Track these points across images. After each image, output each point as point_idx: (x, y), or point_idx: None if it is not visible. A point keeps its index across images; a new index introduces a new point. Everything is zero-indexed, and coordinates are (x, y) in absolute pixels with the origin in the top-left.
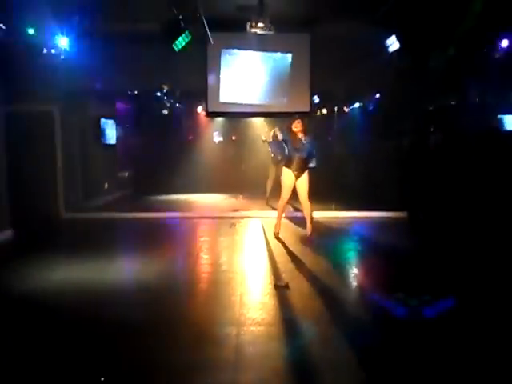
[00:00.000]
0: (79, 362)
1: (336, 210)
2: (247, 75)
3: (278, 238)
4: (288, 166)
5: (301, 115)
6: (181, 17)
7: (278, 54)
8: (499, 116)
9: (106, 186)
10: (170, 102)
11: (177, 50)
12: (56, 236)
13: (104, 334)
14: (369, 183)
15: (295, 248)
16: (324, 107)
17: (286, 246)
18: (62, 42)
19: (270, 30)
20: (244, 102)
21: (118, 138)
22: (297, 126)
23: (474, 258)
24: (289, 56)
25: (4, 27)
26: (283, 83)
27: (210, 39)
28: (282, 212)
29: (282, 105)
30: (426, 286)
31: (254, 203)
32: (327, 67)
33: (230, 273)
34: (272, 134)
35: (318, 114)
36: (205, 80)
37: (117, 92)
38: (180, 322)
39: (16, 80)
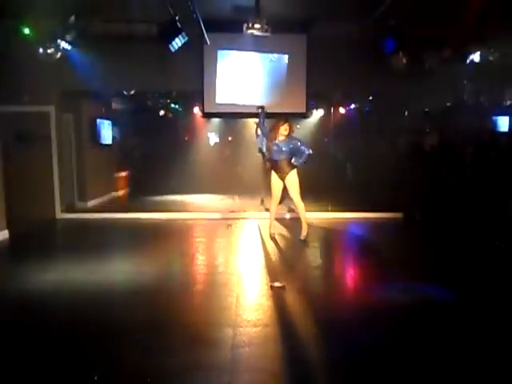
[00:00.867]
0: (74, 362)
1: (332, 210)
2: (243, 76)
3: (273, 239)
4: (273, 169)
5: (288, 117)
6: (177, 17)
7: (275, 55)
8: (494, 117)
9: (102, 186)
10: (166, 103)
11: (173, 50)
12: (51, 237)
13: (99, 335)
14: (365, 184)
15: (291, 249)
16: (320, 108)
17: (282, 247)
18: (59, 42)
19: (266, 31)
20: (240, 103)
21: (114, 139)
22: (286, 129)
23: (470, 257)
24: (285, 57)
25: None
26: (279, 84)
27: (207, 40)
28: (274, 213)
29: (278, 106)
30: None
31: (250, 204)
32: (323, 68)
33: (226, 274)
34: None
35: (314, 114)
36: (201, 81)
37: (113, 92)
38: (176, 323)
39: (12, 80)
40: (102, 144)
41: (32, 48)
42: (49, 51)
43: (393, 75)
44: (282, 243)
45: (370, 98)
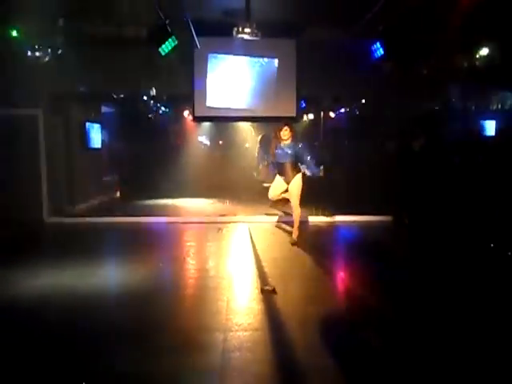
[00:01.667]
0: (62, 368)
1: (321, 214)
2: (234, 80)
3: (265, 242)
4: (279, 173)
5: (288, 120)
6: (167, 21)
7: (265, 59)
8: (481, 121)
9: (92, 190)
10: (156, 106)
11: (163, 54)
12: (39, 241)
13: (88, 339)
14: (354, 187)
15: (282, 253)
16: (310, 112)
17: (272, 251)
18: (47, 44)
19: (256, 35)
20: (230, 107)
21: (103, 142)
22: (285, 134)
23: (458, 260)
24: (275, 61)
25: None
26: (269, 88)
27: (197, 44)
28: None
29: (268, 109)
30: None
31: (240, 208)
32: (313, 72)
33: (217, 278)
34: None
35: (305, 119)
36: (191, 84)
37: (102, 96)
38: (166, 328)
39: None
40: (90, 147)
41: (20, 51)
42: (37, 54)
43: (381, 79)
44: (272, 247)
45: (360, 101)
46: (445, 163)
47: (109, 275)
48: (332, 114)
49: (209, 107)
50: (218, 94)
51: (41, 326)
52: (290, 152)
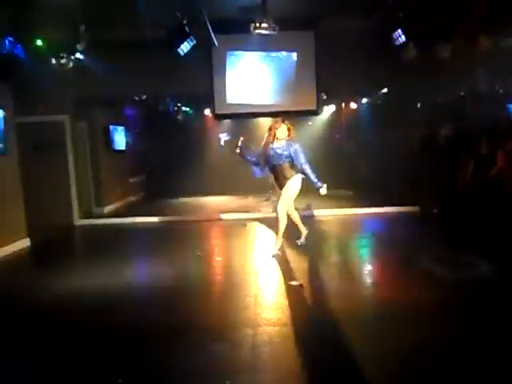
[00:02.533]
0: (94, 364)
1: (347, 207)
2: (253, 76)
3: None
4: (273, 177)
5: (286, 118)
6: (185, 21)
7: (283, 53)
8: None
9: (118, 191)
10: (177, 106)
11: (182, 54)
12: (71, 243)
13: (122, 336)
14: (380, 178)
15: (308, 247)
16: (331, 104)
17: (299, 246)
18: (71, 51)
19: (273, 29)
20: (251, 103)
21: (127, 144)
22: (282, 133)
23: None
24: (294, 55)
25: (13, 40)
26: (289, 82)
27: (215, 42)
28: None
29: (288, 103)
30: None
31: (265, 204)
32: (333, 64)
33: (243, 274)
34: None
35: (325, 111)
36: (211, 82)
37: (124, 98)
38: (196, 324)
39: (27, 92)
40: (115, 150)
41: (45, 59)
42: (62, 61)
43: (404, 68)
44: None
45: (382, 91)
46: (473, 150)
47: (138, 274)
48: (354, 105)
49: (229, 104)
50: (238, 91)
51: (77, 323)
52: (285, 153)
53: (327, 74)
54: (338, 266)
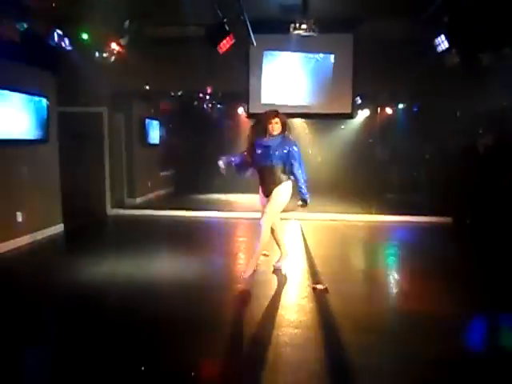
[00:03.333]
0: (118, 350)
1: (376, 213)
2: (289, 76)
3: (317, 240)
4: (260, 181)
5: (273, 111)
6: (225, 20)
7: (321, 55)
8: None
9: (149, 184)
10: (211, 103)
11: (220, 52)
12: (103, 231)
13: (145, 328)
14: (412, 186)
15: (335, 251)
16: (366, 108)
17: (325, 249)
18: (113, 45)
19: (313, 31)
20: (285, 104)
21: (161, 138)
22: (274, 128)
23: None
24: (331, 57)
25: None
26: (325, 84)
27: (253, 41)
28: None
29: (323, 106)
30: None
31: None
32: (370, 67)
33: (268, 273)
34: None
35: (360, 115)
36: (246, 81)
37: (161, 93)
38: (219, 321)
39: (70, 82)
40: (150, 143)
41: (89, 52)
42: (104, 55)
43: (444, 74)
44: (325, 244)
45: (420, 98)
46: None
47: (164, 266)
48: (389, 111)
49: (263, 104)
50: (273, 91)
51: (103, 309)
52: (276, 153)
53: (364, 78)
54: (365, 272)
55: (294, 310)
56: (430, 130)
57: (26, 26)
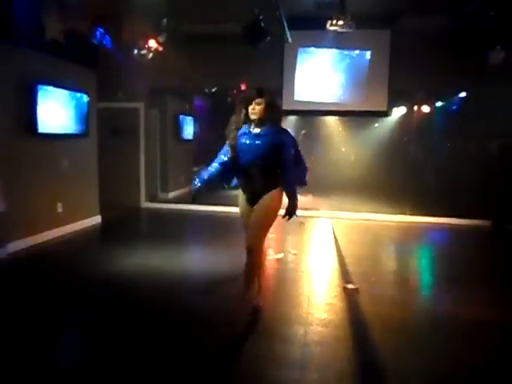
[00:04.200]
0: (148, 342)
1: (411, 214)
2: (323, 73)
3: (349, 240)
4: (239, 184)
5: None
6: (261, 17)
7: (356, 52)
8: None
9: (183, 179)
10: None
11: (255, 49)
12: (136, 224)
13: (174, 319)
14: (449, 187)
15: (367, 251)
16: (402, 106)
17: (356, 248)
18: (151, 43)
19: (350, 27)
20: (319, 101)
21: (194, 134)
22: (254, 109)
23: None
24: (367, 53)
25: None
26: (360, 81)
27: (289, 38)
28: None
29: (357, 103)
30: None
31: (324, 202)
32: (408, 64)
33: (297, 271)
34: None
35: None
36: (280, 78)
37: (195, 90)
38: (246, 317)
39: (108, 79)
40: (183, 139)
41: (127, 50)
42: (142, 52)
43: (485, 72)
44: (356, 244)
45: (459, 96)
46: None
47: (193, 259)
48: (426, 109)
49: (297, 101)
50: (307, 88)
51: (135, 299)
52: (261, 146)
53: (401, 75)
54: (397, 274)
55: (324, 309)
56: (468, 129)
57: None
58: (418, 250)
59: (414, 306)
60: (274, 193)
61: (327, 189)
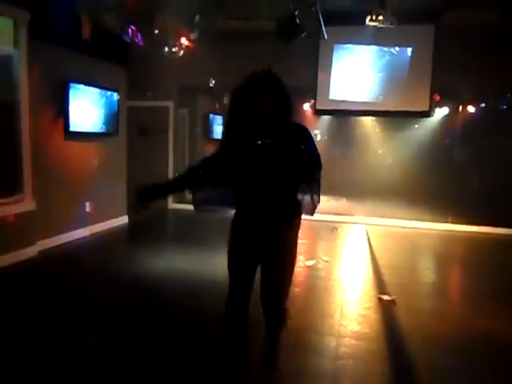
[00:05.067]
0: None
1: (453, 222)
2: (360, 71)
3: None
4: (239, 211)
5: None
6: (296, 12)
7: (396, 48)
8: None
9: None
10: None
11: (289, 46)
12: (164, 225)
13: (201, 326)
14: (497, 193)
15: (405, 260)
16: (445, 106)
17: (394, 257)
18: (183, 40)
19: (391, 23)
20: (355, 100)
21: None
22: (266, 101)
23: None
24: (408, 50)
25: (134, 29)
26: (400, 79)
27: (325, 34)
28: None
29: (397, 103)
30: None
31: (358, 207)
32: (452, 61)
33: (329, 280)
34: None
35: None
36: (315, 76)
37: (226, 88)
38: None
39: (138, 77)
40: (213, 138)
41: (158, 47)
42: (173, 50)
43: None
44: (394, 252)
45: (508, 95)
46: None
47: (221, 264)
48: (471, 109)
49: (332, 100)
50: (343, 87)
51: (158, 302)
52: (284, 154)
53: (445, 73)
54: (437, 286)
55: (357, 321)
56: None
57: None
58: (461, 261)
59: (456, 321)
60: (294, 223)
61: (362, 193)
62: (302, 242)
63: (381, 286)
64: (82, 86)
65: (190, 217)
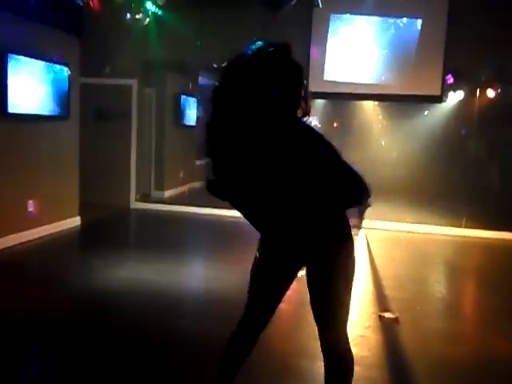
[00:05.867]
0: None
1: (467, 226)
2: (361, 47)
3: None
4: (264, 245)
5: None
6: None
7: (403, 20)
8: None
9: (182, 174)
10: None
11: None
12: (123, 228)
13: (169, 351)
14: None
15: (410, 271)
16: (459, 90)
17: (397, 268)
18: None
19: None
20: (355, 81)
21: (198, 119)
22: (278, 84)
23: None
24: (418, 22)
25: None
26: (408, 57)
27: (319, 2)
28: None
29: (403, 85)
30: None
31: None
32: (470, 36)
33: None
34: None
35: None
36: (307, 52)
37: (201, 65)
38: (261, 348)
39: (94, 49)
40: (184, 125)
41: (118, 14)
42: (137, 16)
43: None
44: (397, 262)
45: None
46: None
47: (193, 275)
48: (491, 93)
49: (327, 81)
50: (340, 65)
51: (115, 320)
52: (303, 163)
53: (460, 50)
54: (449, 302)
55: (355, 342)
56: None
57: None
58: (476, 273)
59: (470, 343)
60: (341, 257)
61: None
62: None
63: (382, 301)
64: (23, 58)
65: (157, 218)
